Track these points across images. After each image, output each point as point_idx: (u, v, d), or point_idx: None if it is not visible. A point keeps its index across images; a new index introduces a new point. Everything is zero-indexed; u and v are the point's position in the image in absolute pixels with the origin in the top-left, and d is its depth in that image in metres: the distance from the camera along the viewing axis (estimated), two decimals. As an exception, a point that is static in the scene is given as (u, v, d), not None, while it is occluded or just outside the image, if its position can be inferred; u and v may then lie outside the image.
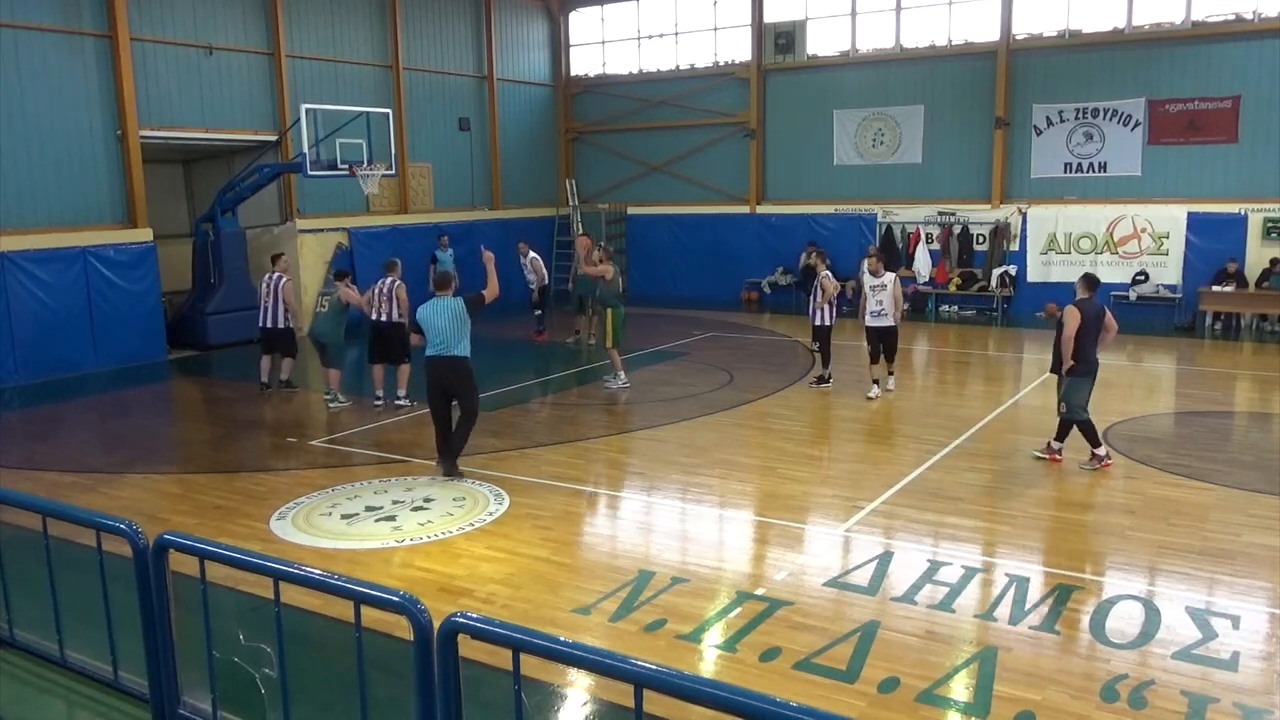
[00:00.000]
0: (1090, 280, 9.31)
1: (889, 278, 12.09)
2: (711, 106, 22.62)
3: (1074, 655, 5.55)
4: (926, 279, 20.23)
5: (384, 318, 11.92)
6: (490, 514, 8.10)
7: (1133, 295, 18.32)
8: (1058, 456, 9.33)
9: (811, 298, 12.76)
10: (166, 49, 16.11)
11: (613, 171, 24.19)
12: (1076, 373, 9.06)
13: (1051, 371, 9.47)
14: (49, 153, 14.62)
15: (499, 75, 22.49)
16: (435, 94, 21.04)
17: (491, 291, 9.20)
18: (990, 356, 16.09)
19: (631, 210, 24.05)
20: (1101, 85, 18.52)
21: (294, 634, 4.51)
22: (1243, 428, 11.26)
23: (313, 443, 10.59)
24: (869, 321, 12.13)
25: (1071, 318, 9.04)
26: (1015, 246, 19.54)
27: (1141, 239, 18.47)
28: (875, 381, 12.30)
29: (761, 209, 22.31)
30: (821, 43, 21.39)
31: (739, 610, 6.20)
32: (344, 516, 8.12)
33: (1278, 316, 17.10)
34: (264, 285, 12.96)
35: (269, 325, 12.84)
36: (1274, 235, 17.23)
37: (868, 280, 12.18)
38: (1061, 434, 9.34)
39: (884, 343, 12.21)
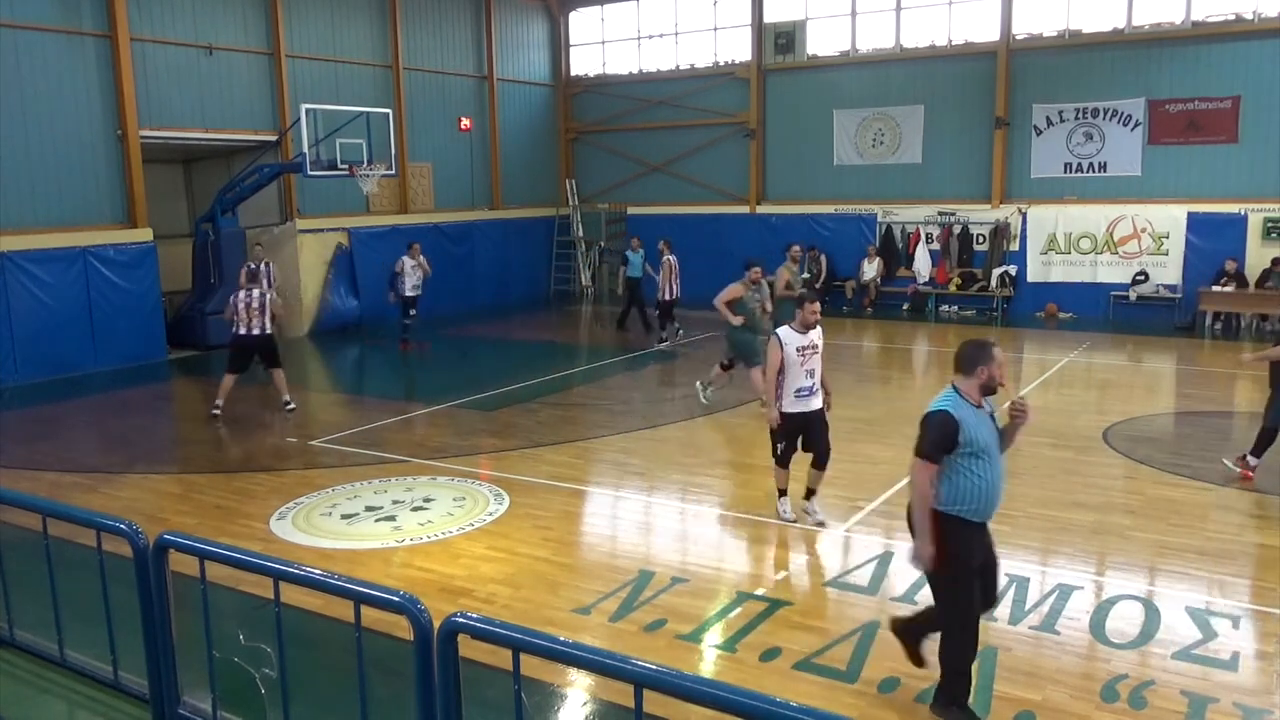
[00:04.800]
0: None
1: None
2: (711, 106, 22.62)
3: (1074, 655, 5.55)
4: (926, 279, 20.23)
5: (254, 330, 11.63)
6: (490, 514, 8.10)
7: (1133, 295, 18.33)
8: (1250, 473, 8.66)
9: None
10: (166, 49, 16.12)
11: (613, 171, 24.19)
12: None
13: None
14: (49, 153, 14.62)
15: (499, 75, 22.50)
16: (435, 94, 21.04)
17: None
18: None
19: (631, 210, 24.04)
20: (1101, 85, 18.52)
21: (294, 634, 4.51)
22: (1243, 428, 11.23)
23: (313, 443, 10.59)
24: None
25: None
26: (1015, 246, 19.54)
27: (1141, 239, 18.47)
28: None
29: (761, 209, 22.31)
30: (821, 43, 21.39)
31: (739, 610, 6.20)
32: (344, 516, 8.12)
33: (1278, 316, 17.09)
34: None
35: None
36: (1274, 235, 17.23)
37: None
38: (1260, 448, 8.65)
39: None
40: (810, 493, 7.76)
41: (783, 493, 7.88)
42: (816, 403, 7.58)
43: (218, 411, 11.69)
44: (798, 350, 7.38)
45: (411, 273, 16.25)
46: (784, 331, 7.50)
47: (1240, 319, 17.54)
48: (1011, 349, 16.62)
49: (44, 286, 14.38)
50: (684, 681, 3.10)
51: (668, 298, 16.13)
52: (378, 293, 19.37)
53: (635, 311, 17.59)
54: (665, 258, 16.19)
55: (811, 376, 7.47)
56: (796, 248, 14.32)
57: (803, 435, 7.58)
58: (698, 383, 12.25)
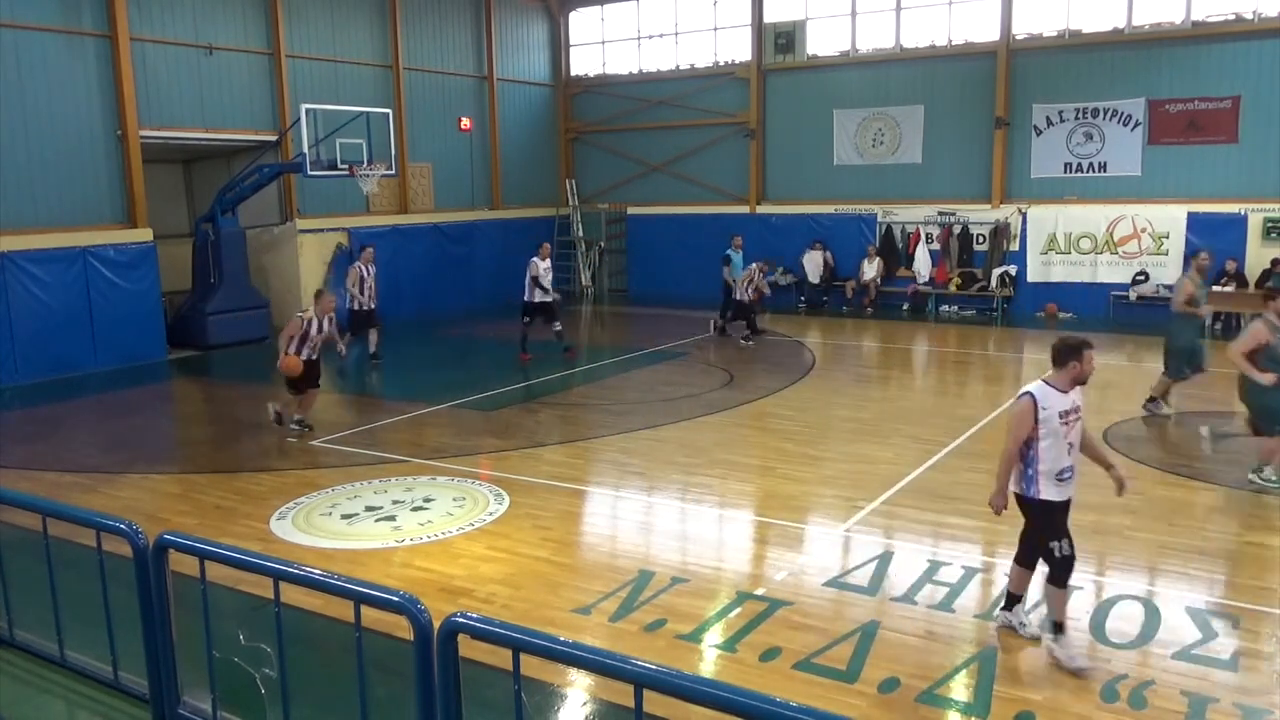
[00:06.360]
0: None
1: None
2: (711, 106, 22.62)
3: (1074, 655, 5.54)
4: (926, 279, 20.23)
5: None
6: (490, 514, 8.10)
7: (1133, 295, 18.33)
8: None
9: None
10: (166, 49, 16.11)
11: (613, 171, 24.20)
12: None
13: None
14: (49, 153, 14.62)
15: (499, 75, 22.50)
16: (435, 94, 21.05)
17: None
18: (990, 356, 16.08)
19: (631, 210, 24.05)
20: (1101, 85, 18.52)
21: (294, 634, 4.51)
22: (1242, 428, 11.23)
23: (313, 443, 10.59)
24: None
25: None
26: (1015, 246, 19.54)
27: (1141, 239, 18.47)
28: None
29: (761, 209, 22.31)
30: (821, 43, 21.39)
31: (739, 610, 6.20)
32: (344, 516, 8.13)
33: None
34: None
35: None
36: (1274, 235, 17.23)
37: None
38: None
39: None
40: (1015, 599, 5.78)
41: (1060, 627, 5.47)
42: (1074, 487, 5.56)
43: (296, 424, 11.00)
44: (1060, 416, 5.34)
45: (545, 275, 14.82)
46: (1041, 390, 5.38)
47: (1240, 319, 17.49)
48: (1011, 349, 16.62)
49: (44, 286, 14.38)
50: (684, 681, 3.10)
51: (739, 297, 16.50)
52: (378, 292, 19.37)
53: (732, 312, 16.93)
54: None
55: (1073, 451, 5.44)
56: (1205, 255, 11.25)
57: None
58: (1252, 472, 8.62)
